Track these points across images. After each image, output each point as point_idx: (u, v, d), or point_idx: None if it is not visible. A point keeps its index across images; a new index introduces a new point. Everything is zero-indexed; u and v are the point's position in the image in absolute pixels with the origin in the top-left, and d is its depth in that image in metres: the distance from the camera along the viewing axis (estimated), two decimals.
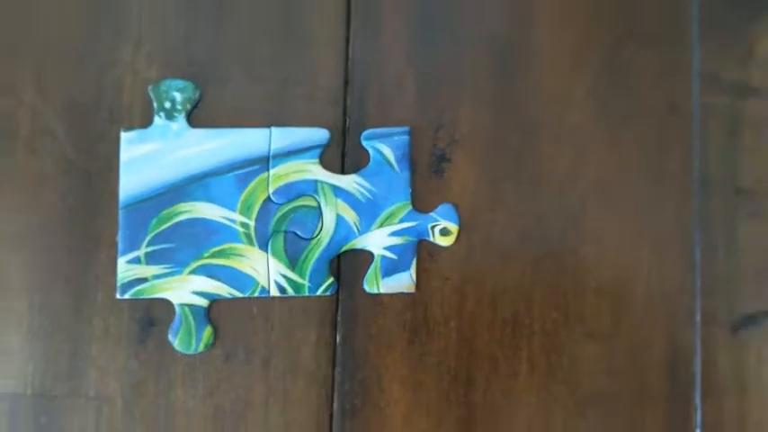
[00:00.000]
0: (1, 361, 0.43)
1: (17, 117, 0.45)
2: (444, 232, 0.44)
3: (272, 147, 0.44)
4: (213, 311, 0.44)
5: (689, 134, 0.46)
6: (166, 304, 0.43)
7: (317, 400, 0.44)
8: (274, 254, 0.44)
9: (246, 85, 0.45)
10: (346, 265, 0.45)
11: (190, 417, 0.43)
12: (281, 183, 0.44)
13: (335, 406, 0.44)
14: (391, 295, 0.44)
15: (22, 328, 0.44)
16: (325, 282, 0.44)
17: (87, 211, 0.44)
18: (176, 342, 0.43)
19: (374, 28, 0.46)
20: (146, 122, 0.44)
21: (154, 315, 0.44)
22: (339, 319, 0.44)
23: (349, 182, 0.44)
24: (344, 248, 0.44)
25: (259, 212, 0.44)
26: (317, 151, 0.44)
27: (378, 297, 0.44)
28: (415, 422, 0.44)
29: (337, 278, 0.44)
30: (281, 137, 0.44)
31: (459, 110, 0.46)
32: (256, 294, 0.44)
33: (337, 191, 0.44)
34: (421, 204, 0.45)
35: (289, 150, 0.44)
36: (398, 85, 0.46)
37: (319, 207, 0.44)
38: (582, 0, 0.47)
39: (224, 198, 0.44)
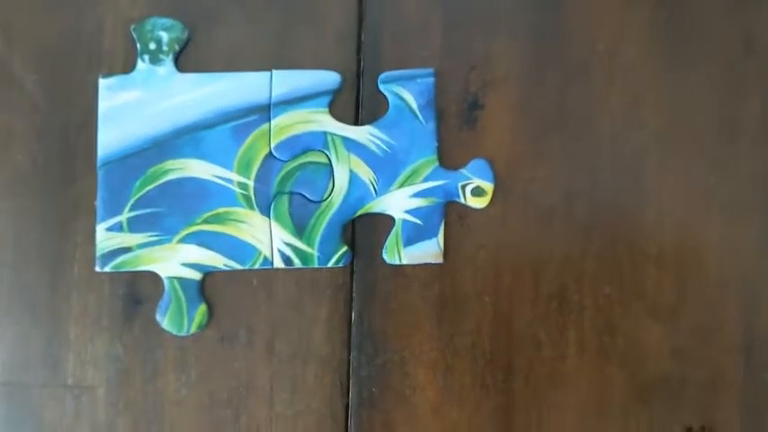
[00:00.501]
0: None
1: None
2: (477, 192, 0.39)
3: (274, 93, 0.38)
4: (207, 286, 0.39)
5: (766, 76, 0.40)
6: (154, 278, 0.38)
7: (331, 387, 0.39)
8: (278, 219, 0.38)
9: (243, 23, 0.40)
10: (362, 230, 0.39)
11: (181, 406, 0.39)
12: (285, 135, 0.38)
13: (352, 394, 0.39)
14: (415, 266, 0.39)
15: None
16: (337, 251, 0.38)
17: (63, 172, 0.39)
18: (165, 322, 0.38)
19: None
20: (129, 69, 0.39)
21: (140, 291, 0.39)
22: (354, 293, 0.39)
23: (364, 134, 0.39)
24: (360, 212, 0.39)
25: (259, 171, 0.38)
26: (327, 98, 0.39)
27: (399, 268, 0.39)
28: (446, 412, 0.39)
29: (352, 247, 0.39)
30: (284, 81, 0.39)
31: (493, 47, 0.40)
32: (257, 266, 0.38)
33: (350, 144, 0.38)
34: (449, 160, 0.39)
35: (293, 97, 0.39)
36: (421, 20, 0.40)
37: (330, 164, 0.38)
38: None
39: (218, 154, 0.38)
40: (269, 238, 0.38)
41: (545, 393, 0.39)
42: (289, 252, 0.38)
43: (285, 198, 0.38)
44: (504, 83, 0.40)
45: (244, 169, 0.38)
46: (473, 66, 0.40)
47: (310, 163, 0.38)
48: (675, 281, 0.39)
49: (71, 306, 0.39)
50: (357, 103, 0.39)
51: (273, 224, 0.38)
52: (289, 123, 0.38)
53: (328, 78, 0.39)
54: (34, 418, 0.38)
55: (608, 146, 0.40)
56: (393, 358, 0.39)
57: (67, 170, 0.39)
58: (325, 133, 0.39)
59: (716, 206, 0.40)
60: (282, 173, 0.38)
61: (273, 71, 0.39)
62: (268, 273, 0.39)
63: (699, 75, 0.40)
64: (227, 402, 0.38)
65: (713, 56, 0.40)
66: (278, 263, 0.38)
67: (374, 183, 0.39)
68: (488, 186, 0.39)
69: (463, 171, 0.39)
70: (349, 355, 0.39)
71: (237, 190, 0.38)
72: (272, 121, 0.38)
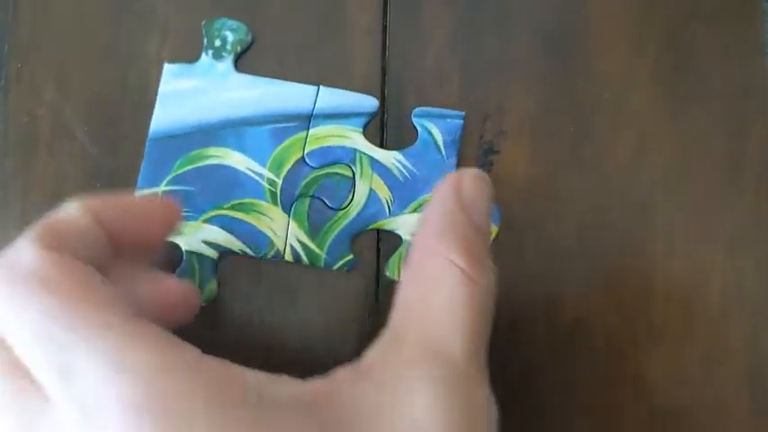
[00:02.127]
0: None
1: (37, 116, 0.44)
2: None
3: (317, 106, 0.43)
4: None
5: (766, 117, 0.44)
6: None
7: None
8: (296, 218, 0.42)
9: (278, 76, 0.44)
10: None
11: None
12: (319, 145, 0.43)
13: None
14: None
15: None
16: (343, 257, 0.42)
17: None
18: None
19: (414, 11, 0.45)
20: None
21: None
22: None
23: (389, 158, 0.43)
24: (372, 226, 0.42)
25: (289, 172, 0.42)
26: (362, 119, 0.43)
27: None
28: None
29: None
30: (328, 97, 0.43)
31: (507, 97, 0.44)
32: (269, 256, 0.42)
33: (375, 164, 0.43)
34: None
35: (333, 113, 0.43)
36: (439, 72, 0.44)
37: (353, 179, 0.42)
38: None
39: (256, 150, 0.42)
40: (285, 234, 0.42)
41: (560, 421, 0.42)
42: (299, 249, 0.42)
43: (306, 201, 0.42)
44: (518, 130, 0.43)
45: (275, 168, 0.42)
46: (488, 115, 0.43)
47: (336, 174, 0.42)
48: (682, 312, 0.42)
49: None
50: (382, 138, 0.43)
51: (291, 222, 0.42)
52: (324, 135, 0.43)
53: (367, 102, 0.43)
54: None
55: (617, 186, 0.43)
56: None
57: None
58: (355, 150, 0.43)
59: (719, 241, 0.43)
60: (309, 178, 0.42)
61: (321, 87, 0.43)
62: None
63: (702, 117, 0.43)
64: None
65: (714, 100, 0.44)
66: (288, 257, 0.42)
67: (390, 203, 0.42)
68: (493, 228, 0.42)
69: None
70: None
71: (266, 185, 0.42)
72: (310, 131, 0.43)
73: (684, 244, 0.43)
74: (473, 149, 0.43)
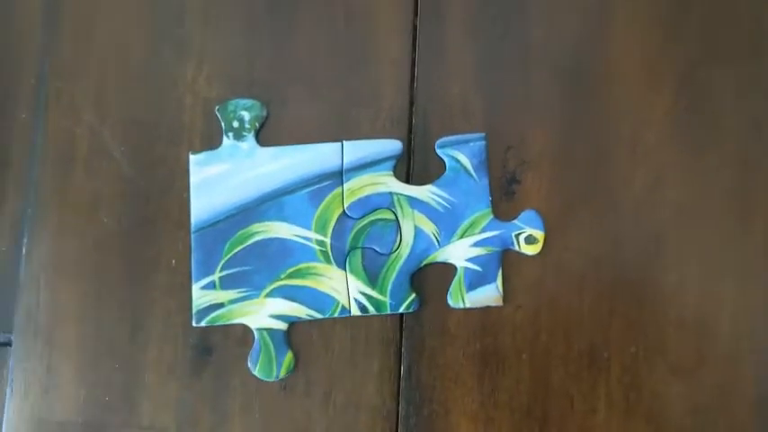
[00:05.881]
0: (52, 388, 0.44)
1: (75, 137, 0.46)
2: (530, 240, 0.45)
3: (345, 160, 0.45)
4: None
5: None
6: (221, 331, 0.44)
7: None
8: (353, 271, 0.44)
9: (309, 105, 0.46)
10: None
11: None
12: (356, 197, 0.45)
13: None
14: (459, 325, 0.45)
15: (74, 355, 0.44)
16: (407, 298, 0.44)
17: (144, 233, 0.45)
18: (257, 369, 0.44)
19: (440, 46, 0.47)
20: (206, 144, 0.46)
21: (210, 342, 0.44)
22: (404, 349, 0.45)
23: (425, 192, 0.45)
24: (426, 262, 0.45)
25: (335, 229, 0.45)
26: (391, 163, 0.46)
27: (445, 326, 0.45)
28: None
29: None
30: (353, 150, 0.45)
31: (528, 130, 0.46)
32: (336, 314, 0.44)
33: (414, 202, 0.45)
34: (501, 213, 0.45)
35: (361, 164, 0.45)
36: (465, 106, 0.47)
37: (396, 220, 0.45)
38: (656, 17, 0.47)
39: (298, 216, 0.45)
40: (346, 289, 0.44)
41: None
42: (364, 301, 0.44)
43: (358, 252, 0.45)
44: (539, 161, 0.46)
45: (321, 228, 0.45)
46: (510, 146, 0.46)
47: (379, 220, 0.45)
48: (695, 342, 0.45)
49: (148, 355, 0.44)
50: (408, 174, 0.46)
51: (349, 276, 0.44)
52: (359, 186, 0.45)
53: (392, 146, 0.46)
54: None
55: (631, 219, 0.46)
56: (438, 410, 0.44)
57: (148, 232, 0.45)
58: (391, 193, 0.45)
59: (730, 274, 0.45)
60: (355, 230, 0.45)
61: (344, 142, 0.45)
62: (324, 328, 0.44)
63: (715, 156, 0.46)
64: None
65: (726, 137, 0.46)
66: (354, 311, 0.44)
67: (437, 235, 0.45)
68: (540, 234, 0.45)
69: (516, 222, 0.45)
70: (398, 406, 0.44)
71: (316, 247, 0.44)
72: (345, 185, 0.45)
73: (696, 277, 0.45)
74: (497, 179, 0.46)
